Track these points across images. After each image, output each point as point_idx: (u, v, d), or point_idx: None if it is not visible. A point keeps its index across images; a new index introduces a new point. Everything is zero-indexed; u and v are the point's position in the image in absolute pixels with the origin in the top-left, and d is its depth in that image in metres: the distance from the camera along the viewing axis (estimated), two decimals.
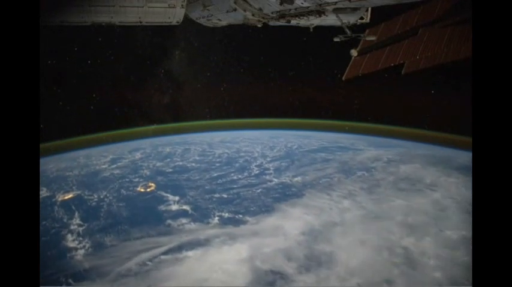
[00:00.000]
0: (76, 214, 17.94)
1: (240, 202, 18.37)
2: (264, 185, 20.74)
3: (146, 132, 42.55)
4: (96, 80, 33.82)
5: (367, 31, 5.58)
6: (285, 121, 46.74)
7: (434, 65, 4.92)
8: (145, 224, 16.17)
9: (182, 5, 5.11)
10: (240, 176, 22.61)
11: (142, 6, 4.89)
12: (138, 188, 21.21)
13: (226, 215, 16.91)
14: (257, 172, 23.59)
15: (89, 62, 31.51)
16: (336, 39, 4.36)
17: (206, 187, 20.71)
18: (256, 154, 28.79)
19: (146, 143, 38.15)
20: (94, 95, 33.62)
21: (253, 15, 4.72)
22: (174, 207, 18.01)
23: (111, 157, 31.22)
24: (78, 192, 21.27)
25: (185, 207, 17.96)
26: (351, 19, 4.63)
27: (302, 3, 3.61)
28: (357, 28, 5.05)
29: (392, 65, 5.45)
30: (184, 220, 16.53)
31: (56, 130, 30.28)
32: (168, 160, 27.89)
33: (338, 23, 4.30)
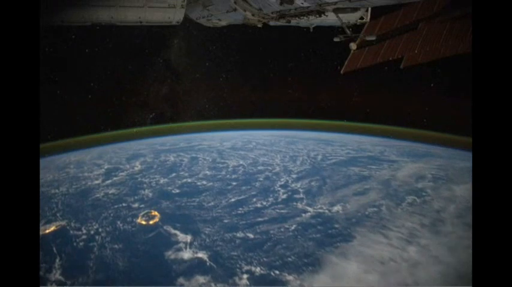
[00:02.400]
0: (57, 260, 13.60)
1: (273, 247, 14.05)
2: (298, 219, 16.41)
3: (145, 132, 39.78)
4: (94, 69, 33.51)
5: (366, 25, 5.43)
6: (293, 121, 43.45)
7: (433, 59, 4.98)
8: None
9: (182, 5, 5.04)
10: (264, 203, 18.26)
11: (142, 6, 4.83)
12: (138, 220, 16.84)
13: (258, 270, 12.60)
14: (285, 196, 19.24)
15: (87, 50, 31.00)
16: (336, 39, 4.33)
17: (225, 220, 16.36)
18: (278, 168, 24.41)
19: (146, 147, 33.79)
20: (92, 84, 33.47)
21: (253, 15, 4.66)
22: (186, 254, 13.68)
23: (106, 166, 26.85)
24: (63, 222, 16.91)
25: (201, 254, 13.63)
26: (351, 19, 4.89)
27: (302, 3, 3.57)
28: (357, 28, 5.25)
29: (391, 58, 5.50)
30: (201, 279, 12.21)
31: (52, 122, 29.76)
32: (174, 174, 23.48)
33: (338, 23, 4.29)
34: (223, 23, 5.88)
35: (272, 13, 4.37)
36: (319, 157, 27.67)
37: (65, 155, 33.68)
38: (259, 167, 24.56)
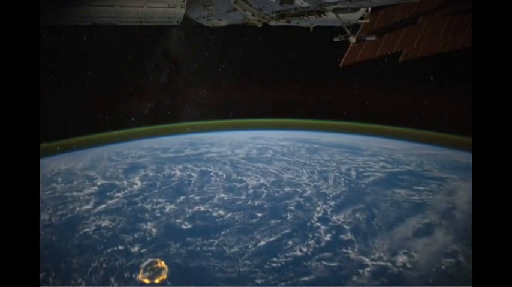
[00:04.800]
0: None
1: None
2: (356, 279, 12.17)
3: (145, 132, 36.62)
4: (92, 58, 32.01)
5: (362, 25, 5.26)
6: (300, 122, 39.87)
7: (432, 54, 5.04)
8: None
9: (182, 5, 5.07)
10: (305, 249, 13.97)
11: (142, 6, 4.84)
12: (140, 276, 12.55)
13: None
14: (328, 236, 14.94)
15: (84, 38, 30.12)
16: (335, 39, 4.42)
17: (257, 281, 12.09)
18: (308, 190, 20.09)
19: (146, 153, 29.41)
20: (90, 73, 32.67)
21: (253, 15, 4.71)
22: None
23: (99, 182, 22.50)
24: (40, 275, 12.59)
25: None
26: (351, 19, 4.74)
27: (302, 3, 3.62)
28: (358, 28, 5.10)
29: (389, 53, 5.47)
30: None
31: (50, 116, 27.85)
32: (182, 197, 19.13)
33: (338, 23, 4.38)
34: (223, 23, 5.82)
35: (272, 13, 4.40)
36: (353, 173, 23.36)
37: (57, 157, 29.49)
38: (285, 189, 20.23)
